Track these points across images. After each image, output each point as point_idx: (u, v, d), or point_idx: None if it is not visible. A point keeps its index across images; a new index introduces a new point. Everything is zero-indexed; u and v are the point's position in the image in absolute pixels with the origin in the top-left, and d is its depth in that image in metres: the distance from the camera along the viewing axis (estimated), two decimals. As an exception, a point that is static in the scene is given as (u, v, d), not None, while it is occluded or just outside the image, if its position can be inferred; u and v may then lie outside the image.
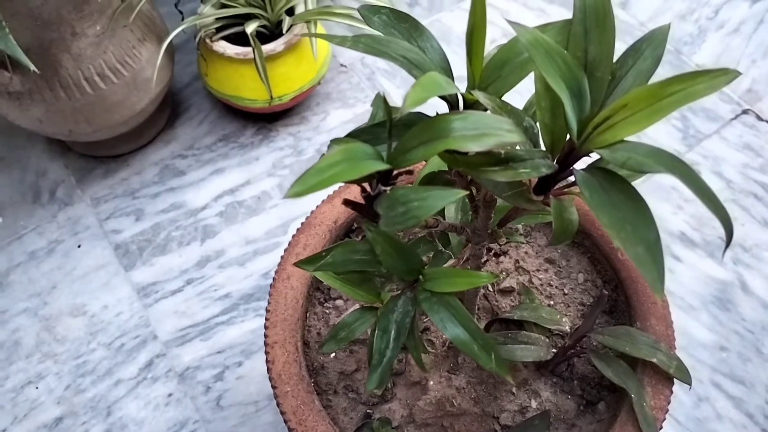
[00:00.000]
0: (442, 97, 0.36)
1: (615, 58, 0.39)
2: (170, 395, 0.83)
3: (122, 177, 1.01)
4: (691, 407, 0.79)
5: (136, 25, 0.90)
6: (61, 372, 0.85)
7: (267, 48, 0.92)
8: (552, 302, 0.62)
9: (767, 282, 0.87)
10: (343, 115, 1.06)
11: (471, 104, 0.35)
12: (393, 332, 0.38)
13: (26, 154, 1.04)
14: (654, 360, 0.51)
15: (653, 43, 0.36)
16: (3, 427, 0.81)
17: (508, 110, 0.35)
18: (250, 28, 0.88)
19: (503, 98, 0.36)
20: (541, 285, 0.62)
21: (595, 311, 0.55)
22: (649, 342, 0.53)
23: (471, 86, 0.36)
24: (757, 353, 0.82)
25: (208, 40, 0.93)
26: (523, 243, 0.61)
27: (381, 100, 0.33)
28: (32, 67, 0.66)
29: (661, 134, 1.00)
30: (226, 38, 0.95)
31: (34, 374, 0.85)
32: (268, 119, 1.05)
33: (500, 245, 0.63)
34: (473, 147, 0.30)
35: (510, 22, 0.31)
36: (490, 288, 0.63)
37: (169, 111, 1.06)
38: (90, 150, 1.02)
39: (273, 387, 0.53)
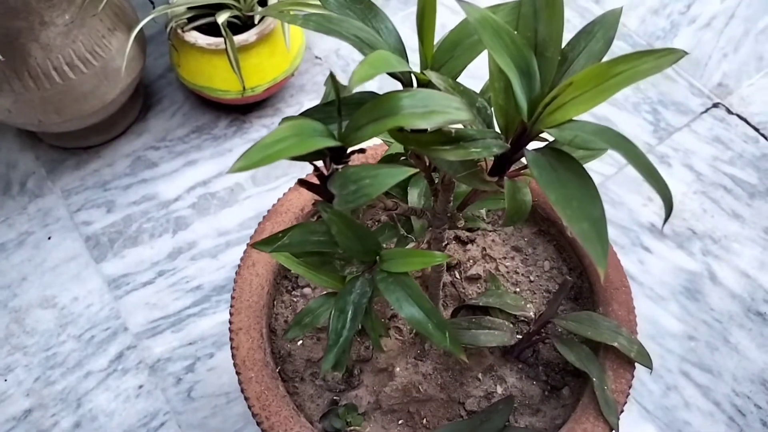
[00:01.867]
0: (397, 78, 0.37)
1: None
2: (141, 387, 0.82)
3: (94, 168, 1.00)
4: (659, 396, 0.80)
5: (106, 14, 0.89)
6: (30, 364, 0.84)
7: (239, 38, 0.91)
8: (518, 289, 0.62)
9: (735, 273, 0.88)
10: (318, 107, 1.06)
11: (424, 85, 0.35)
12: (350, 313, 0.38)
13: (-4, 145, 1.03)
14: (615, 344, 0.52)
15: (605, 26, 0.36)
16: (-30, 420, 0.80)
17: (460, 90, 0.35)
18: (222, 18, 0.87)
19: (457, 80, 0.36)
20: (508, 272, 0.63)
21: (559, 297, 0.55)
22: (611, 327, 0.53)
23: (423, 67, 0.36)
24: (724, 342, 0.83)
25: (179, 31, 0.93)
26: (487, 229, 0.62)
27: (333, 78, 0.33)
28: (-3, 55, 0.65)
29: (632, 127, 1.01)
30: (198, 28, 0.94)
31: (2, 366, 0.84)
32: (241, 111, 1.05)
33: (467, 233, 0.63)
34: (421, 124, 0.30)
35: (459, 1, 0.31)
36: (457, 275, 0.63)
37: (141, 102, 1.05)
38: (61, 141, 1.01)
39: (237, 373, 0.53)
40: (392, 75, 0.35)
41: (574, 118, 0.33)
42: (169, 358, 0.84)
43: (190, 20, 0.94)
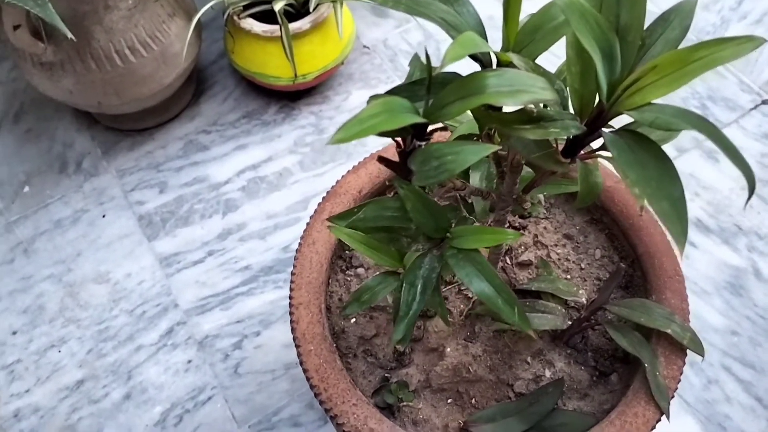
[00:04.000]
0: (478, 61, 0.38)
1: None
2: (189, 362, 0.85)
3: (147, 150, 1.03)
4: (700, 389, 0.80)
5: (167, 0, 0.91)
6: (83, 337, 0.87)
7: (294, 26, 0.93)
8: (569, 276, 0.63)
9: (781, 270, 0.88)
10: (365, 95, 1.07)
11: (505, 65, 0.36)
12: (420, 286, 0.40)
13: (54, 125, 1.06)
14: (668, 331, 0.53)
15: (681, 14, 0.37)
16: (26, 388, 0.83)
17: (540, 72, 0.36)
18: (278, 5, 0.89)
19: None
20: (559, 259, 0.64)
21: (612, 284, 0.56)
22: (664, 314, 0.54)
23: (505, 49, 0.37)
24: (767, 338, 0.83)
25: (235, 17, 0.95)
26: (544, 215, 0.63)
27: (418, 59, 0.34)
28: (69, 34, 0.67)
29: (679, 122, 1.01)
30: (253, 16, 0.96)
31: (57, 338, 0.87)
32: (290, 98, 1.07)
33: (519, 220, 0.65)
34: (508, 102, 0.32)
35: (545, -16, 0.32)
36: (509, 261, 0.64)
37: (194, 87, 1.08)
38: (116, 123, 1.04)
39: (297, 346, 0.55)
40: (473, 57, 0.37)
41: (653, 102, 0.34)
42: (217, 335, 0.87)
43: (246, 8, 0.96)
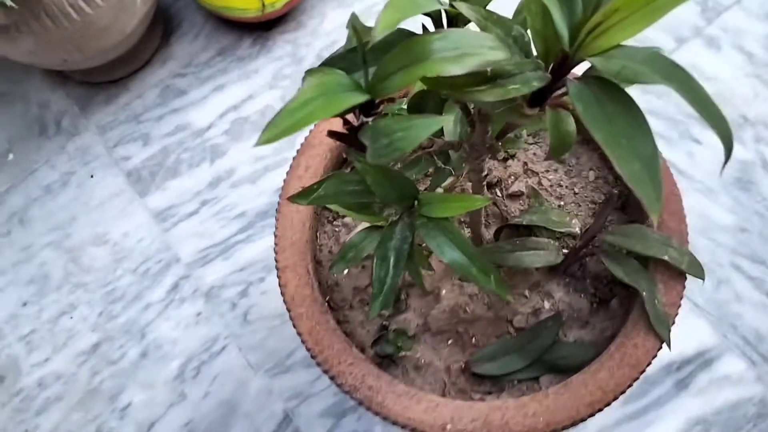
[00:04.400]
0: (426, 14, 0.34)
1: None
2: (199, 314, 0.86)
3: (124, 102, 1.00)
4: (710, 291, 0.79)
5: (114, -60, 0.85)
6: (92, 300, 0.88)
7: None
8: (562, 203, 0.61)
9: (791, 158, 0.84)
10: (342, 15, 1.01)
11: (454, 17, 0.33)
12: (392, 259, 0.38)
13: (26, 87, 1.03)
14: (666, 257, 0.51)
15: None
16: (45, 357, 0.85)
17: (494, 20, 0.32)
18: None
19: (488, 7, 0.34)
20: (551, 186, 0.61)
21: (605, 211, 0.54)
22: (661, 239, 0.52)
23: (452, -2, 0.33)
24: (778, 232, 0.81)
25: (190, -51, 0.88)
26: (526, 147, 0.59)
27: (356, 19, 0.31)
28: (8, 2, 0.63)
29: (677, 9, 0.93)
30: (210, -55, 0.89)
31: (66, 305, 0.88)
32: (263, 28, 1.01)
33: (501, 157, 0.61)
34: (455, 69, 0.28)
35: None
36: (499, 193, 0.62)
37: (161, 29, 1.02)
38: (89, 77, 1.00)
39: (288, 310, 0.54)
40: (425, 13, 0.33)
41: (622, 44, 0.30)
42: (222, 285, 0.87)
43: (200, -63, 0.89)
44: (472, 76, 0.31)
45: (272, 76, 0.98)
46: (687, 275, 0.53)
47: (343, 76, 0.30)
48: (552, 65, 0.34)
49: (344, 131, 0.35)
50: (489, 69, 0.31)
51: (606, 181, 0.61)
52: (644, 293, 0.51)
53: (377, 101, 0.32)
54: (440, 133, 0.44)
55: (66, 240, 0.92)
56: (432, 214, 0.37)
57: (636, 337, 0.50)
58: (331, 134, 0.34)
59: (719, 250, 0.81)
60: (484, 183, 0.47)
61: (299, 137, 0.94)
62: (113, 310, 0.87)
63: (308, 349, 0.52)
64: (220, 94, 0.98)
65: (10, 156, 0.98)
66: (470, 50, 0.28)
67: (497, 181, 0.62)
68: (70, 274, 0.90)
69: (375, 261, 0.38)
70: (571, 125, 0.35)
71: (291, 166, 0.58)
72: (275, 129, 0.27)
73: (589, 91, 0.31)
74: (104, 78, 1.00)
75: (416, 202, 0.38)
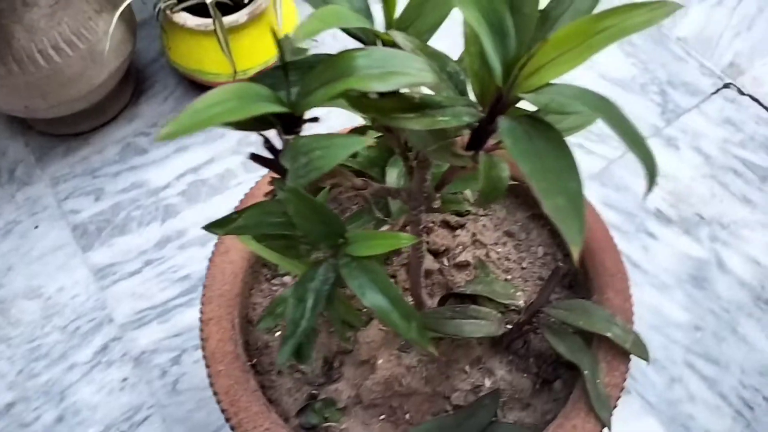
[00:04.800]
0: (360, 41, 0.33)
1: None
2: (125, 380, 0.80)
3: (83, 155, 0.98)
4: (663, 388, 0.76)
5: (91, -5, 0.86)
6: (14, 356, 0.82)
7: (229, 19, 0.88)
8: (510, 276, 0.59)
9: (745, 260, 0.84)
10: (312, 91, 1.03)
11: (390, 46, 0.32)
12: (310, 301, 0.35)
13: (-16, 132, 1.01)
14: (609, 334, 0.49)
15: (591, -19, 0.33)
16: (-48, 413, 0.78)
17: (428, 52, 0.32)
18: (209, -3, 0.84)
19: (429, 43, 0.33)
20: (499, 259, 0.59)
21: (550, 284, 0.52)
22: (605, 316, 0.50)
23: (388, 26, 0.32)
24: (732, 333, 0.79)
25: (168, 11, 0.90)
26: (477, 213, 0.58)
27: (287, 39, 0.30)
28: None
29: (639, 108, 0.97)
30: (189, 10, 0.91)
31: (-15, 358, 0.82)
32: (233, 96, 1.02)
33: (456, 218, 0.60)
34: (378, 86, 0.27)
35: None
36: (446, 262, 0.60)
37: (132, 87, 1.02)
38: (51, 128, 0.99)
39: (206, 366, 0.50)
40: (355, 37, 0.32)
41: (554, 82, 0.30)
42: (154, 350, 0.82)
43: (180, 1, 0.91)
44: (399, 100, 0.30)
45: (237, 142, 0.98)
46: (631, 356, 0.50)
47: (263, 88, 0.29)
48: (488, 107, 0.33)
49: (267, 157, 0.33)
50: (418, 96, 0.30)
51: (554, 258, 0.60)
52: (586, 372, 0.48)
53: (300, 119, 0.30)
54: (382, 180, 0.43)
55: (-3, 290, 0.87)
56: (357, 252, 0.34)
57: (575, 418, 0.47)
58: (255, 158, 0.33)
59: (673, 346, 0.79)
60: (426, 241, 0.45)
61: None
62: (35, 368, 0.81)
63: (223, 410, 0.48)
64: (182, 155, 0.97)
65: (-45, 200, 0.95)
66: (396, 69, 0.27)
67: (444, 249, 0.60)
68: (-5, 326, 0.84)
69: (290, 301, 0.35)
70: (505, 171, 0.34)
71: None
72: (177, 125, 0.25)
73: (520, 127, 0.30)
74: (67, 130, 0.99)
75: (342, 242, 0.35)
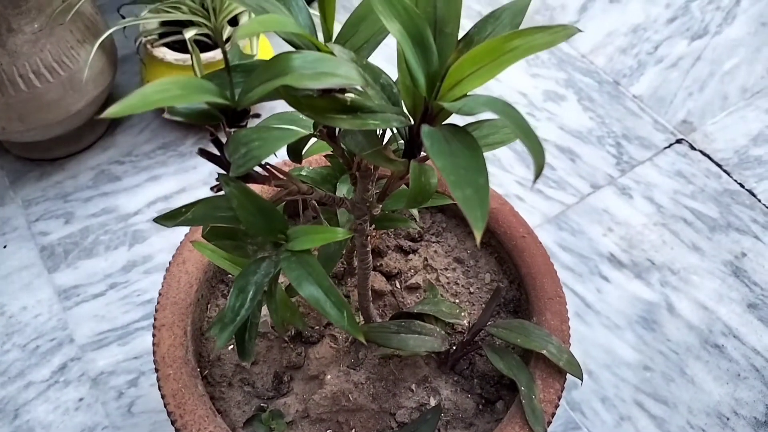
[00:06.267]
0: (298, 48, 0.37)
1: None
2: (81, 400, 0.80)
3: (56, 180, 1.00)
4: (612, 426, 0.78)
5: (77, 26, 0.90)
6: (-30, 373, 0.82)
7: (207, 56, 0.93)
8: (457, 300, 0.61)
9: (694, 304, 0.87)
10: (286, 129, 1.06)
11: (329, 59, 0.35)
12: (251, 292, 0.37)
13: (-39, 154, 1.03)
14: (544, 352, 0.51)
15: (513, 11, 0.37)
16: None
17: (363, 64, 0.35)
18: (189, 34, 0.89)
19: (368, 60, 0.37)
20: (448, 283, 0.62)
21: (491, 304, 0.54)
22: (542, 335, 0.52)
23: (327, 40, 0.36)
24: (680, 374, 0.82)
25: (149, 46, 0.94)
26: (413, 227, 0.61)
27: (237, 48, 0.33)
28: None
29: (595, 159, 1.02)
30: (169, 46, 0.96)
31: (-60, 374, 0.82)
32: (209, 130, 1.05)
33: (409, 243, 0.63)
34: (310, 84, 0.30)
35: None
36: (398, 285, 0.62)
37: (110, 118, 1.05)
38: (27, 152, 1.01)
39: (156, 370, 0.51)
40: (293, 45, 0.35)
41: (470, 93, 0.33)
42: (112, 372, 0.82)
43: (162, 36, 0.95)
44: (332, 101, 0.33)
45: (209, 173, 1.01)
46: (566, 375, 0.52)
47: (209, 83, 0.32)
48: (418, 118, 0.37)
49: (213, 153, 0.36)
50: (349, 99, 0.33)
51: (500, 284, 0.62)
52: (522, 388, 0.50)
53: (244, 114, 0.33)
54: (333, 190, 0.46)
55: (-41, 307, 0.87)
56: (296, 247, 0.37)
57: (511, 431, 0.49)
58: (201, 152, 0.35)
59: (623, 385, 0.81)
60: (369, 249, 0.47)
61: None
62: (-10, 385, 0.81)
63: (169, 413, 0.49)
64: (154, 184, 0.99)
65: (-75, 218, 0.96)
66: (327, 70, 0.30)
67: (397, 272, 0.62)
68: (-47, 342, 0.84)
69: (232, 291, 0.37)
70: (434, 178, 0.37)
71: (190, 230, 0.58)
72: (125, 104, 0.28)
73: (440, 133, 0.33)
74: (43, 156, 1.01)
75: (284, 238, 0.38)
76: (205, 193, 0.98)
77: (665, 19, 1.22)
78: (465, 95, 0.33)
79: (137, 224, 0.95)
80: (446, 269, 0.63)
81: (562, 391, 0.52)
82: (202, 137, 1.05)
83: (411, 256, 0.63)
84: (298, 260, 0.37)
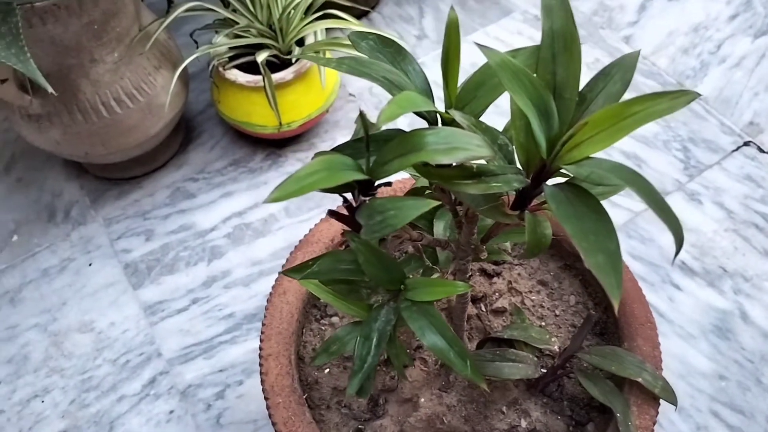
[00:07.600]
0: (424, 118, 0.39)
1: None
2: (171, 412, 0.84)
3: (135, 198, 1.04)
4: (689, 436, 0.79)
5: (152, 53, 0.94)
6: (66, 386, 0.87)
7: (277, 76, 0.95)
8: (543, 323, 0.63)
9: (767, 312, 0.87)
10: (350, 142, 1.09)
11: (448, 123, 0.37)
12: (375, 339, 0.39)
13: (44, 175, 1.08)
14: (639, 379, 0.52)
15: (623, 68, 0.38)
16: (8, 440, 0.83)
17: (482, 128, 0.37)
18: (261, 57, 0.91)
19: (480, 118, 0.38)
20: (533, 306, 0.64)
21: (583, 331, 0.56)
22: (636, 362, 0.54)
23: (448, 106, 0.38)
24: (756, 383, 0.82)
25: (221, 69, 0.97)
26: (513, 262, 0.63)
27: (363, 117, 0.35)
28: (50, 89, 0.69)
29: (662, 164, 1.01)
30: (239, 67, 0.98)
31: (40, 388, 0.87)
32: (277, 145, 1.08)
33: (493, 266, 0.65)
34: (444, 160, 0.32)
35: (479, 45, 0.33)
36: (483, 308, 0.64)
37: (182, 136, 1.09)
38: (105, 172, 1.06)
39: (265, 398, 0.54)
40: (418, 114, 0.37)
41: (592, 156, 0.35)
42: (200, 384, 0.86)
43: (231, 59, 0.98)
44: (460, 169, 0.35)
45: (279, 189, 1.04)
46: (660, 401, 0.54)
47: (347, 158, 0.34)
48: (532, 174, 0.38)
49: (343, 213, 0.38)
50: (475, 166, 0.35)
51: (586, 306, 0.64)
52: (618, 414, 0.52)
53: (375, 185, 0.36)
54: (430, 230, 0.48)
55: (52, 323, 0.92)
56: (417, 298, 0.39)
57: (608, 457, 0.50)
58: (332, 213, 0.38)
59: (698, 395, 0.81)
60: (469, 291, 0.49)
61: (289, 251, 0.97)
62: (86, 398, 0.86)
63: (281, 440, 0.52)
64: (227, 200, 1.03)
65: (15, 237, 1.01)
66: (459, 145, 0.32)
67: (482, 296, 0.64)
68: (50, 358, 0.89)
69: (358, 340, 0.39)
70: (548, 229, 0.39)
71: (287, 260, 0.61)
72: (282, 191, 0.30)
73: (562, 194, 0.35)
74: (120, 175, 1.06)
75: (402, 287, 0.40)
76: (277, 208, 1.02)
77: (726, 16, 1.20)
78: (585, 158, 0.35)
79: (214, 240, 0.99)
80: (530, 292, 0.64)
81: (656, 417, 0.53)
82: (270, 153, 1.08)
83: (495, 279, 0.65)
84: (420, 310, 0.39)
